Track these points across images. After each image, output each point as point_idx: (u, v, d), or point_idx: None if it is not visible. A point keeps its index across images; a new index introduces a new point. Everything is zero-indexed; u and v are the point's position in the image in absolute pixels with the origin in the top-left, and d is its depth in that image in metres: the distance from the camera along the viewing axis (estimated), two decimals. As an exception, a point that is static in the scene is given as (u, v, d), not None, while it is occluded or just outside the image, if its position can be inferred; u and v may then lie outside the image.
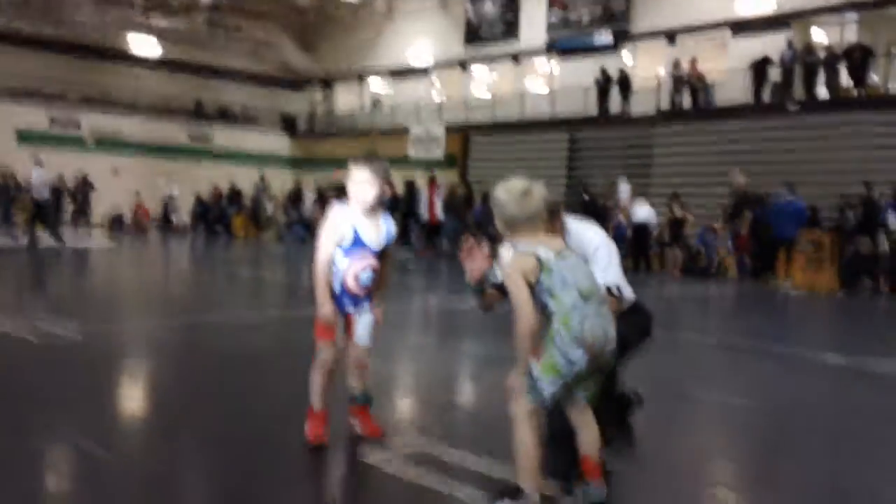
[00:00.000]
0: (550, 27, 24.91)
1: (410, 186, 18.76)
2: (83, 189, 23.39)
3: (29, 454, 3.33)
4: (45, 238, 15.43)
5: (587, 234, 3.57)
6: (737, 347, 7.33)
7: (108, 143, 27.56)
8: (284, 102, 33.71)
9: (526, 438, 2.72)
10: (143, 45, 29.97)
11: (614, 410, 3.55)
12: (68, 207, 24.45)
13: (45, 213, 15.42)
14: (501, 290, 2.93)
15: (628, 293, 3.63)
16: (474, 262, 3.05)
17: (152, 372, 5.25)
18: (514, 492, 2.76)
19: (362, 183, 3.42)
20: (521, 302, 2.65)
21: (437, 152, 25.82)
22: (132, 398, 4.62)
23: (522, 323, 2.64)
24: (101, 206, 24.40)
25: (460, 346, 6.68)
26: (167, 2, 26.18)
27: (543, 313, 2.69)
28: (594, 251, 3.48)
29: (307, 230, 21.58)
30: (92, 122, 27.49)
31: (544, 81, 25.63)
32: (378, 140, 28.66)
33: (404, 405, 4.71)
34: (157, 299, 9.42)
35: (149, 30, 28.78)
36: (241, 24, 30.70)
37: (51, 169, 22.98)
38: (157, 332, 6.67)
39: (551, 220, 3.24)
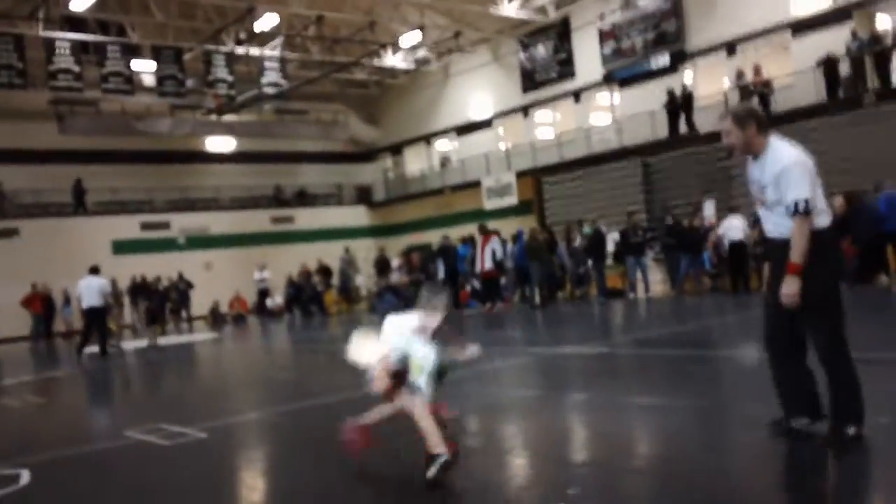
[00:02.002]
0: (605, 59, 24.96)
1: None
2: (182, 287, 24.45)
3: None
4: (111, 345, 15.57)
5: (782, 152, 4.13)
6: (870, 360, 6.86)
7: (198, 240, 28.87)
8: (357, 175, 34.71)
9: (428, 422, 4.03)
10: (219, 143, 31.53)
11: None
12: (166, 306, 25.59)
13: (97, 321, 15.23)
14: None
15: (823, 218, 4.04)
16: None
17: (275, 461, 5.40)
18: (435, 457, 3.94)
19: (433, 320, 4.28)
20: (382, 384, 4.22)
21: (511, 200, 25.98)
22: (253, 489, 4.80)
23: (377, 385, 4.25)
24: (198, 300, 25.42)
25: (566, 397, 6.63)
26: (237, 99, 27.48)
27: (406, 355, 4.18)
28: (781, 171, 4.03)
29: (398, 297, 21.85)
30: (180, 222, 28.91)
31: (607, 113, 25.61)
32: (451, 196, 29.10)
33: (524, 461, 4.69)
34: (266, 387, 9.69)
35: (222, 128, 30.23)
36: (307, 108, 31.91)
37: (148, 271, 24.42)
38: (273, 420, 6.85)
39: (756, 133, 4.22)
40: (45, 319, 23.89)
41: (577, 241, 18.58)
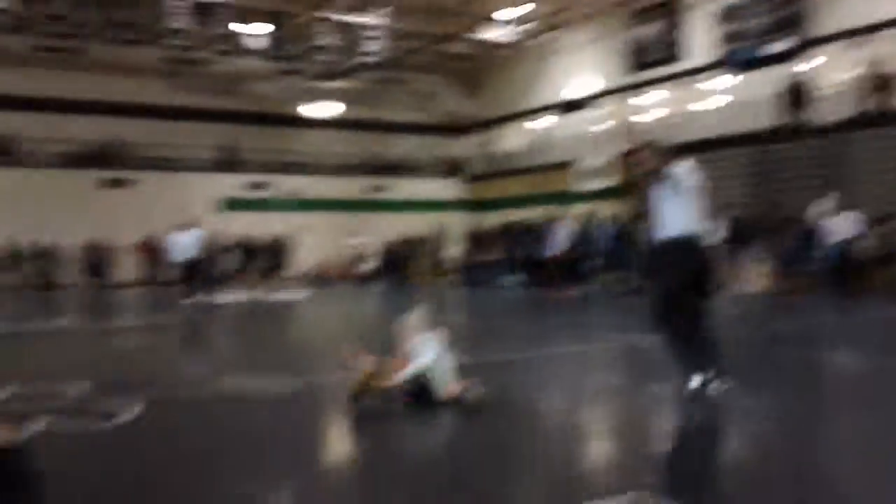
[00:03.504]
0: (719, 41, 24.03)
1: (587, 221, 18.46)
2: (280, 246, 25.22)
3: (248, 491, 3.72)
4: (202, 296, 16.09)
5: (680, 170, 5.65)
6: None
7: (297, 203, 29.64)
8: (452, 148, 34.77)
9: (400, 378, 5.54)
10: (320, 109, 32.14)
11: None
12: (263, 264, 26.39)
13: (193, 273, 15.87)
14: None
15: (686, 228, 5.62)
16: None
17: (363, 421, 5.41)
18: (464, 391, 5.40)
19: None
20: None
21: (606, 183, 25.52)
22: (336, 444, 4.98)
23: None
24: (294, 261, 26.15)
25: (653, 386, 6.51)
26: (339, 66, 27.90)
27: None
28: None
29: (487, 272, 21.92)
30: (282, 184, 29.74)
31: (717, 99, 24.73)
32: (545, 175, 28.81)
33: (608, 452, 4.66)
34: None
35: (324, 94, 30.82)
36: (406, 79, 32.11)
37: (250, 229, 25.29)
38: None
39: (663, 158, 5.67)
40: (156, 266, 25.13)
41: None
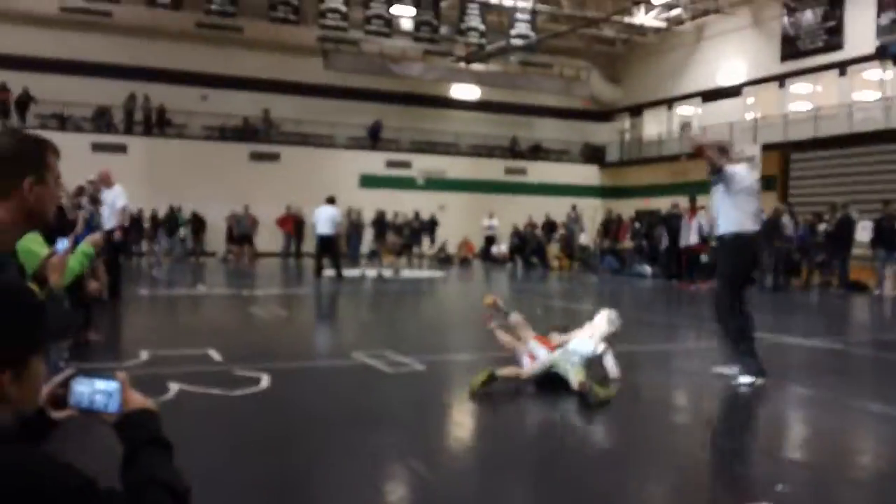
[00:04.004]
0: (881, 30, 22.33)
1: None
2: (416, 225, 25.86)
3: (369, 465, 3.92)
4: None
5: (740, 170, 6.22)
6: None
7: (435, 182, 30.16)
8: (593, 133, 34.28)
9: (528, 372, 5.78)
10: (464, 90, 32.48)
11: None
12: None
13: (330, 248, 16.35)
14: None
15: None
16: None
17: (487, 404, 5.51)
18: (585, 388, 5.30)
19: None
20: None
21: (753, 174, 24.38)
22: (459, 424, 5.12)
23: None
24: (430, 240, 26.72)
25: (787, 389, 6.31)
26: (486, 48, 28.07)
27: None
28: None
29: (620, 260, 21.60)
30: (421, 163, 30.32)
31: (876, 91, 23.05)
32: (687, 164, 27.85)
33: (734, 457, 4.60)
34: (482, 330, 10.11)
35: (469, 76, 31.09)
36: (551, 62, 31.85)
37: (387, 206, 26.02)
38: (485, 363, 7.16)
39: (722, 157, 6.01)
40: (296, 239, 26.34)
41: (822, 227, 17.17)
